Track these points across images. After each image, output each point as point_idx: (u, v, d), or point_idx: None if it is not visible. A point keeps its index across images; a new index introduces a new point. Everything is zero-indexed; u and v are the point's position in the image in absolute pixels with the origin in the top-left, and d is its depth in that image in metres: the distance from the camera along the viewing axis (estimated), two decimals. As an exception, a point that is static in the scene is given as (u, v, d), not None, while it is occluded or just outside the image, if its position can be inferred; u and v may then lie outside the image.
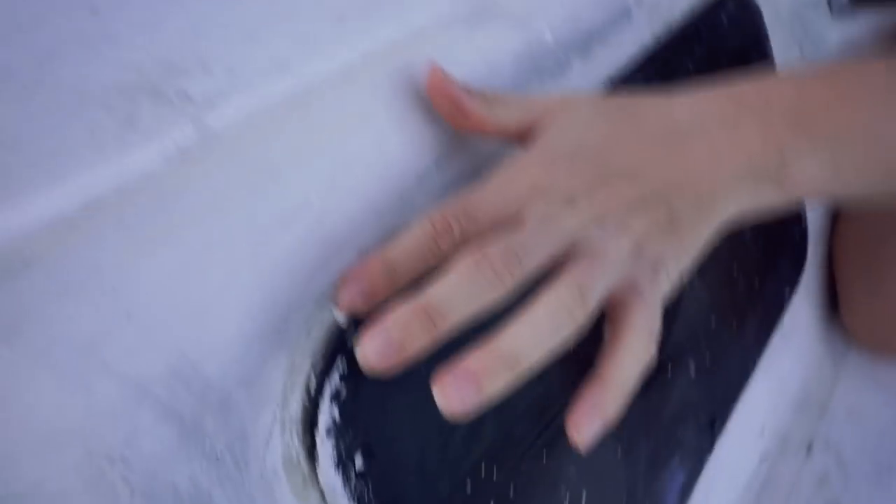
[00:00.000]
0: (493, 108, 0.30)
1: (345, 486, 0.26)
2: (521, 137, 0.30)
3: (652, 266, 0.26)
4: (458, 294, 0.23)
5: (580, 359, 0.39)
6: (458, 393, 0.22)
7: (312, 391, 0.26)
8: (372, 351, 0.22)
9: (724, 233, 0.29)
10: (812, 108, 0.29)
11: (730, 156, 0.28)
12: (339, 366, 0.26)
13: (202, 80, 0.24)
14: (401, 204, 0.29)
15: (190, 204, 0.23)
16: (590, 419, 0.24)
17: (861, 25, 0.78)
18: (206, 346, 0.23)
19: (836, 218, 0.72)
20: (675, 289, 0.28)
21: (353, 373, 0.27)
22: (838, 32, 0.75)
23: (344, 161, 0.27)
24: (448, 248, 0.25)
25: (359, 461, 0.27)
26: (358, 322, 0.27)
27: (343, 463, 0.26)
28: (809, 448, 0.63)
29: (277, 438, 0.25)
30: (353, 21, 0.28)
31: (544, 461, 0.36)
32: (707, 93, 0.30)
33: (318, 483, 0.26)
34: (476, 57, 0.33)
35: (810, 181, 0.28)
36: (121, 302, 0.21)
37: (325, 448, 0.26)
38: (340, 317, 0.27)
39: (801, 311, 0.68)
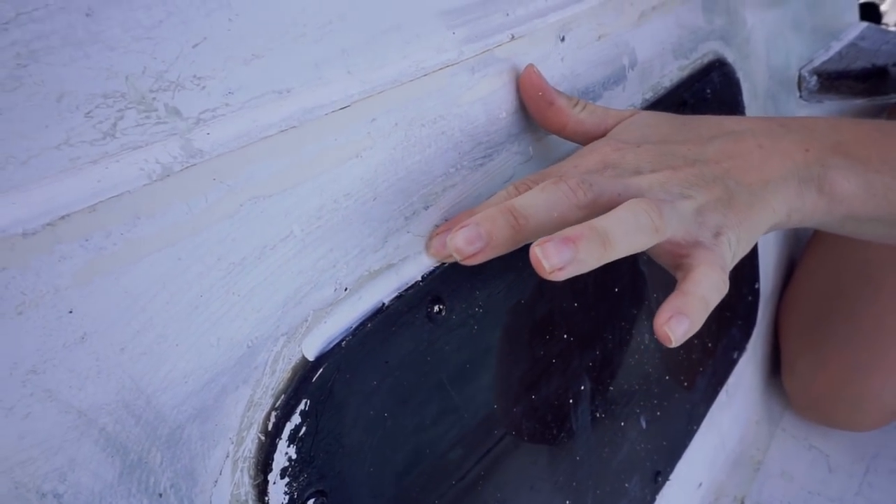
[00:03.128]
0: (576, 108, 0.33)
1: (292, 532, 0.23)
2: (592, 141, 0.33)
3: (713, 232, 0.27)
4: (537, 201, 0.25)
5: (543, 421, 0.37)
6: (556, 251, 0.22)
7: (271, 429, 0.23)
8: (461, 237, 0.24)
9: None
10: (847, 139, 0.31)
11: (776, 158, 0.30)
12: (303, 403, 0.24)
13: (196, 96, 0.21)
14: (385, 245, 0.27)
15: (164, 225, 0.20)
16: (678, 319, 0.24)
17: (825, 110, 0.79)
18: (162, 376, 0.20)
19: (785, 286, 0.72)
20: (734, 262, 0.28)
21: (316, 411, 0.24)
22: (805, 115, 0.76)
23: (332, 194, 0.25)
24: None
25: (310, 504, 0.24)
26: (324, 359, 0.25)
27: (293, 505, 0.24)
28: (741, 505, 0.62)
29: (227, 477, 0.22)
30: (356, 55, 0.26)
31: (495, 510, 0.34)
32: (753, 117, 0.33)
33: (264, 525, 0.23)
34: (476, 102, 0.31)
35: (849, 195, 0.30)
36: (76, 325, 0.18)
37: (278, 489, 0.23)
38: (311, 351, 0.25)
39: (746, 372, 0.67)
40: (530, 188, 0.28)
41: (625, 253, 0.24)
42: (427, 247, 0.29)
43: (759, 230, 0.29)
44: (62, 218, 0.18)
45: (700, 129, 0.32)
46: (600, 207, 0.26)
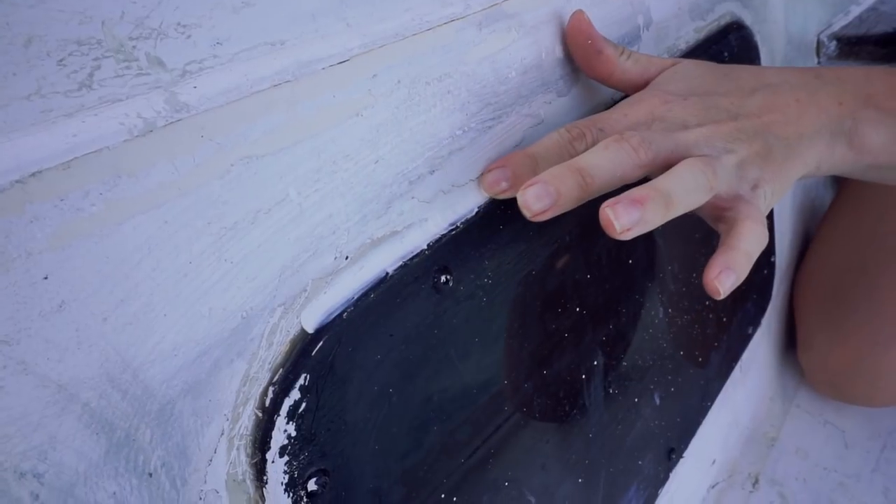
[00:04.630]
0: (622, 56, 0.33)
1: (293, 512, 0.22)
2: (637, 90, 0.34)
3: (751, 185, 0.29)
4: (602, 160, 0.26)
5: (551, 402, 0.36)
6: (626, 212, 0.24)
7: (268, 405, 0.22)
8: (531, 194, 0.25)
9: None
10: (878, 90, 0.32)
11: (812, 111, 0.31)
12: (302, 377, 0.23)
13: (180, 46, 0.20)
14: (388, 211, 0.25)
15: (148, 185, 0.19)
16: (726, 274, 0.26)
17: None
18: (150, 348, 0.19)
19: (801, 260, 0.70)
20: (767, 212, 0.29)
21: (316, 386, 0.23)
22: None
23: (331, 156, 0.23)
24: (582, 150, 0.28)
25: (311, 483, 0.23)
26: (324, 331, 0.23)
27: (294, 484, 0.23)
28: (756, 482, 0.60)
29: (223, 455, 0.21)
30: (356, 6, 0.24)
31: (506, 490, 0.33)
32: (790, 67, 0.35)
33: (263, 506, 0.22)
34: (483, 60, 0.29)
35: (877, 147, 0.31)
36: (52, 292, 0.17)
37: (277, 468, 0.22)
38: (310, 323, 0.24)
39: (760, 348, 0.66)
40: (584, 135, 0.29)
41: (683, 211, 0.25)
42: (480, 181, 0.29)
43: (790, 182, 0.30)
44: (33, 175, 0.16)
45: (740, 80, 0.33)
46: (657, 165, 0.27)
